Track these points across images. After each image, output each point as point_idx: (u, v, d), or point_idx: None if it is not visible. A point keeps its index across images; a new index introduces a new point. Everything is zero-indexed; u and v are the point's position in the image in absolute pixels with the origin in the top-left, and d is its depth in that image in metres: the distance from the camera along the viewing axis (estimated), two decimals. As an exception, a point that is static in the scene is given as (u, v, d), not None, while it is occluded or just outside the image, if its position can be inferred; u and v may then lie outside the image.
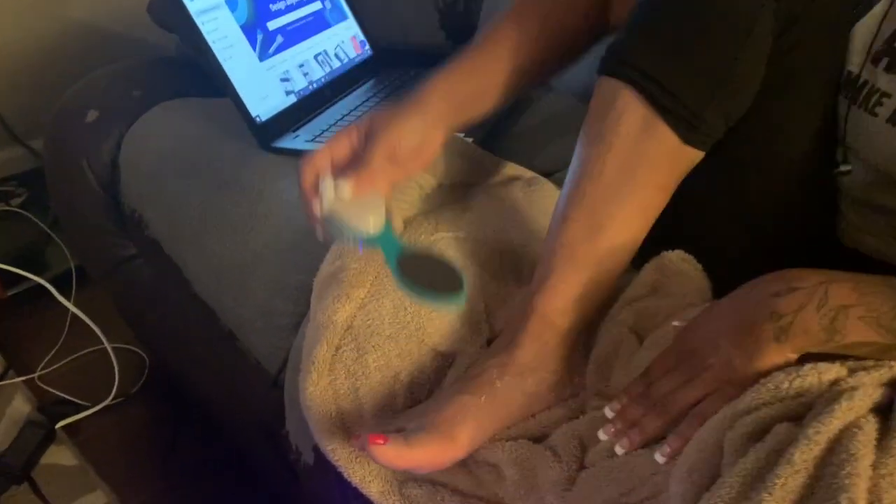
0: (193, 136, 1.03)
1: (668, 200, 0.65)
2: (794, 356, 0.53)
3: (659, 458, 0.56)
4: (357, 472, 0.66)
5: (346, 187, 0.65)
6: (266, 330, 0.86)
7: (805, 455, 0.49)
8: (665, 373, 0.59)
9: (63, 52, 1.54)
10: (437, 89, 0.71)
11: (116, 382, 1.31)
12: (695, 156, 0.64)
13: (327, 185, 0.66)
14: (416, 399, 0.69)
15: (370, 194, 0.67)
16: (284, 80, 1.03)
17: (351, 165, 0.67)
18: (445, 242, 0.78)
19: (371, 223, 0.65)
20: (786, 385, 0.55)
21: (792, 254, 0.61)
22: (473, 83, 0.72)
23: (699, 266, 0.73)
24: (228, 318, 0.92)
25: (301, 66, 1.07)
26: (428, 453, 0.59)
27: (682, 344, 0.59)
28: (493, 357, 0.65)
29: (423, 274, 0.64)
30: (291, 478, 0.82)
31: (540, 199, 0.87)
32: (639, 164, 0.62)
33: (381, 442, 0.58)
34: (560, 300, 0.64)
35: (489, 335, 0.73)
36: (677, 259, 0.73)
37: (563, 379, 0.66)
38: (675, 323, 0.63)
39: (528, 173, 0.92)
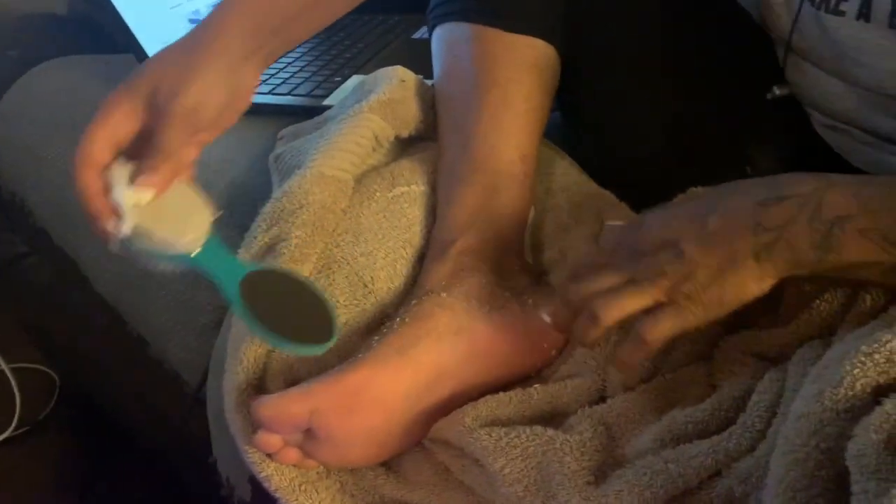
0: (83, 98, 0.87)
1: (546, 103, 0.66)
2: (771, 280, 0.45)
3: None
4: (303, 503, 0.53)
5: (145, 192, 0.49)
6: (183, 331, 0.71)
7: None
8: (599, 267, 0.49)
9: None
10: (235, 11, 0.53)
11: (18, 409, 1.13)
12: (533, 44, 0.65)
13: (120, 188, 0.49)
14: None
15: (180, 193, 0.52)
16: (194, 21, 0.88)
17: (142, 148, 0.51)
18: (405, 198, 0.64)
19: (190, 235, 0.50)
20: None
21: None
22: None
23: None
24: (137, 319, 0.78)
25: (215, 5, 0.91)
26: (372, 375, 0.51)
27: (631, 239, 0.49)
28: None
29: (275, 303, 0.50)
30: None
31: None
32: (479, 70, 0.65)
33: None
34: (451, 220, 0.61)
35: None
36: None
37: (491, 289, 0.57)
38: (610, 222, 0.59)
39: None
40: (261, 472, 0.53)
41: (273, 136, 0.75)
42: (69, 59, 0.95)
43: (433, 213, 0.65)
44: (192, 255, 0.50)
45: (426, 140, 0.73)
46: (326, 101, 0.79)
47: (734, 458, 0.44)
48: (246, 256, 0.62)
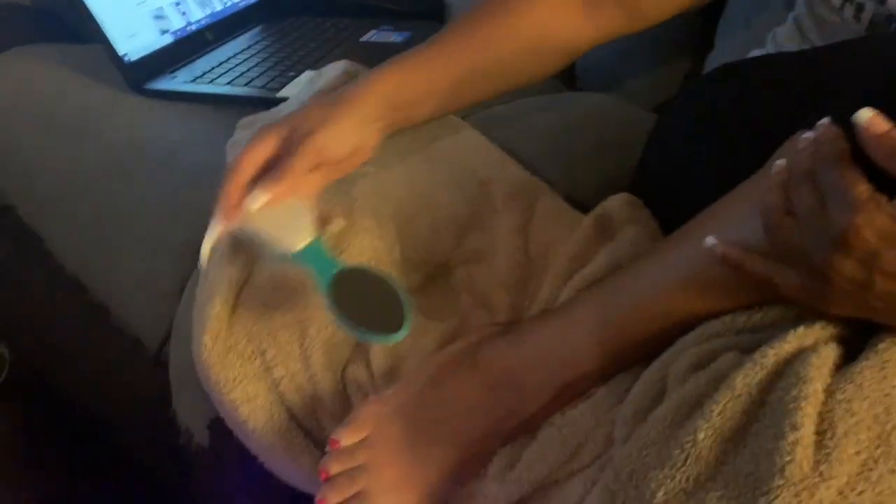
0: (51, 83, 0.92)
1: None
2: None
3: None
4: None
5: (260, 198, 0.58)
6: (145, 298, 0.77)
7: (748, 379, 0.46)
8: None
9: None
10: (376, 88, 0.64)
11: (-33, 385, 1.16)
12: None
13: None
14: (332, 358, 0.62)
15: (292, 203, 0.59)
16: (158, 17, 0.94)
17: (270, 171, 0.60)
18: (356, 179, 0.70)
19: (292, 239, 0.58)
20: (743, 319, 0.52)
21: None
22: (416, 85, 0.66)
23: (646, 210, 0.69)
24: (99, 289, 0.82)
25: (177, 3, 0.97)
26: None
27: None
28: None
29: (358, 297, 0.56)
30: (181, 469, 0.73)
31: (453, 137, 0.80)
32: None
33: None
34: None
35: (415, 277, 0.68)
36: (621, 204, 0.69)
37: None
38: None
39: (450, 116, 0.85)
40: (238, 417, 0.60)
41: (230, 123, 0.81)
42: (37, 47, 0.99)
43: (376, 192, 0.69)
44: (294, 253, 0.58)
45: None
46: (280, 93, 0.85)
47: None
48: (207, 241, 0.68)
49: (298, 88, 0.83)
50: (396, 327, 0.55)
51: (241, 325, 0.62)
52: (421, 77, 0.66)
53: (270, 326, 0.62)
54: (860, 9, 0.66)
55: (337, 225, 0.64)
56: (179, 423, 0.69)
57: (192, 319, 0.64)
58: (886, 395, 0.45)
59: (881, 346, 0.47)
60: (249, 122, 0.79)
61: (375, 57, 0.99)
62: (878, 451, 0.43)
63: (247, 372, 0.61)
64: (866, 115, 0.43)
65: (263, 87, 0.88)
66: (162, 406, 0.74)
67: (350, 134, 0.61)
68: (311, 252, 0.58)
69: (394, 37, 1.02)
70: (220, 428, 0.64)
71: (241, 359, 0.61)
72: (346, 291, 0.56)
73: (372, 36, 1.05)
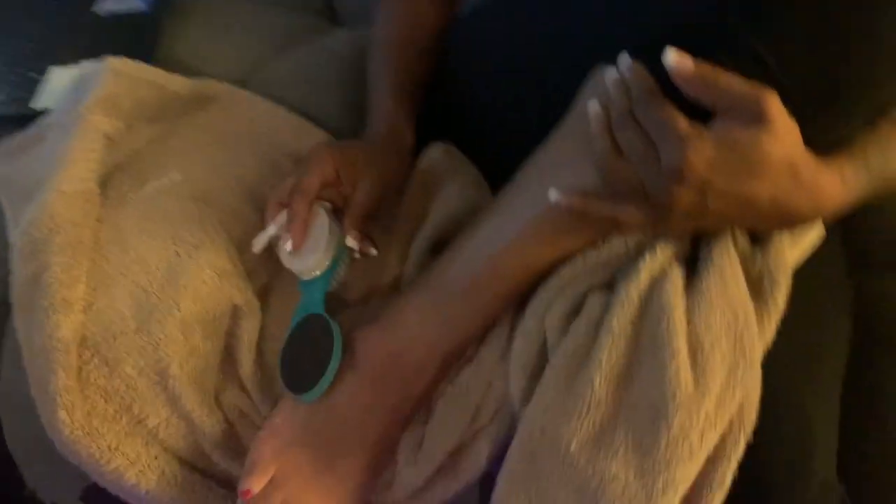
0: None
1: None
2: None
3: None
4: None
5: (353, 238, 0.61)
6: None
7: (622, 319, 0.51)
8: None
9: None
10: (402, 117, 0.71)
11: None
12: None
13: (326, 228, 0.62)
14: (203, 390, 0.59)
15: (328, 236, 0.61)
16: None
17: (341, 201, 0.64)
18: (160, 192, 0.65)
19: (310, 265, 0.61)
20: (593, 256, 0.56)
21: None
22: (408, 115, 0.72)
23: (462, 156, 0.71)
24: None
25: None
26: None
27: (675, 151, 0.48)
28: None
29: (307, 344, 0.59)
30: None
31: (248, 114, 0.77)
32: None
33: None
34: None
35: (261, 280, 0.65)
36: (441, 155, 0.70)
37: None
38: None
39: (222, 88, 0.79)
40: (126, 483, 0.57)
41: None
42: None
43: (192, 199, 0.65)
44: (301, 279, 0.62)
45: (163, 122, 0.73)
46: (36, 104, 0.74)
47: None
48: (14, 296, 0.60)
49: (56, 95, 0.73)
50: (306, 389, 0.56)
51: (94, 388, 0.57)
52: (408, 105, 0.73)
53: (126, 378, 0.57)
54: None
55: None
56: (42, 501, 0.63)
57: (28, 395, 0.57)
58: (731, 301, 0.51)
59: (715, 256, 0.54)
60: (13, 149, 0.69)
61: (120, 30, 0.89)
62: (737, 353, 0.50)
63: (118, 434, 0.56)
64: (673, 56, 0.47)
65: (10, 100, 0.76)
66: (8, 486, 0.66)
67: (400, 171, 0.68)
68: (310, 285, 0.61)
69: (136, 3, 0.92)
70: (96, 495, 0.59)
71: (107, 422, 0.56)
72: (306, 333, 0.59)
73: (107, 4, 0.93)
